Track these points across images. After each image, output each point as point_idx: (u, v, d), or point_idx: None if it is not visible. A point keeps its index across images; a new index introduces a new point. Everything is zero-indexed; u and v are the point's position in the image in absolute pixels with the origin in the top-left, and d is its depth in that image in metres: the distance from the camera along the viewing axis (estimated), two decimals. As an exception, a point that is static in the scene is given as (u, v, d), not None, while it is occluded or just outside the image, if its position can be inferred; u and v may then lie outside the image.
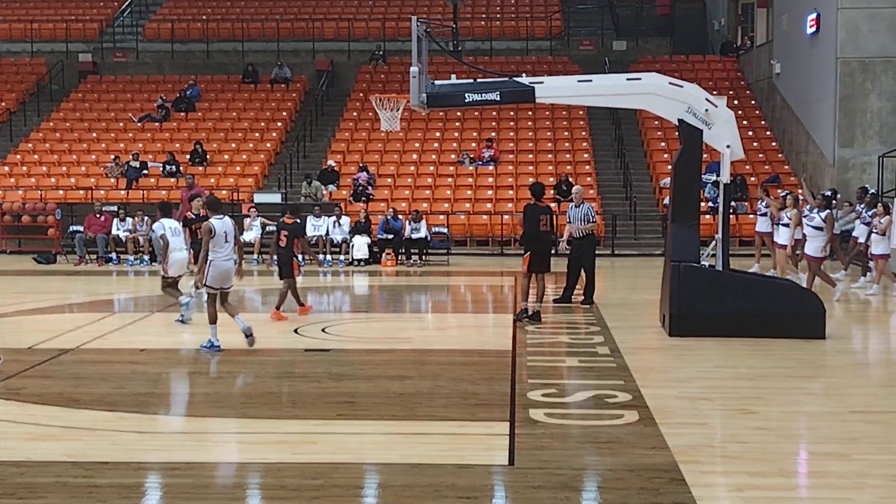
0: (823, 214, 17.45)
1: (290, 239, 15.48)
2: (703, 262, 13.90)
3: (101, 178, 29.32)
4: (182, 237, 15.22)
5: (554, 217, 15.34)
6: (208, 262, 12.40)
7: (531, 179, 28.51)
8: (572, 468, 7.56)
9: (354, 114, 32.88)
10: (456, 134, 31.86)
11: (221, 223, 12.54)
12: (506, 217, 26.84)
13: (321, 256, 24.07)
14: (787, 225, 18.52)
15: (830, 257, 19.31)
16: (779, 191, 23.82)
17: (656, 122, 30.55)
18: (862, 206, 19.86)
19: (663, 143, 30.33)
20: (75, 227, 25.29)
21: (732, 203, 22.49)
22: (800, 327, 13.06)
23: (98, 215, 24.89)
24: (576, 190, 17.16)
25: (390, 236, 24.15)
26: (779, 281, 15.26)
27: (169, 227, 14.84)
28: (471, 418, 9.05)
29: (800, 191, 19.95)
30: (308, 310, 15.62)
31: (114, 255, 24.44)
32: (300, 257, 16.63)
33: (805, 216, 17.93)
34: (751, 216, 26.82)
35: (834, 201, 20.38)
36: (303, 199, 26.98)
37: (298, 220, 16.17)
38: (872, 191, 20.92)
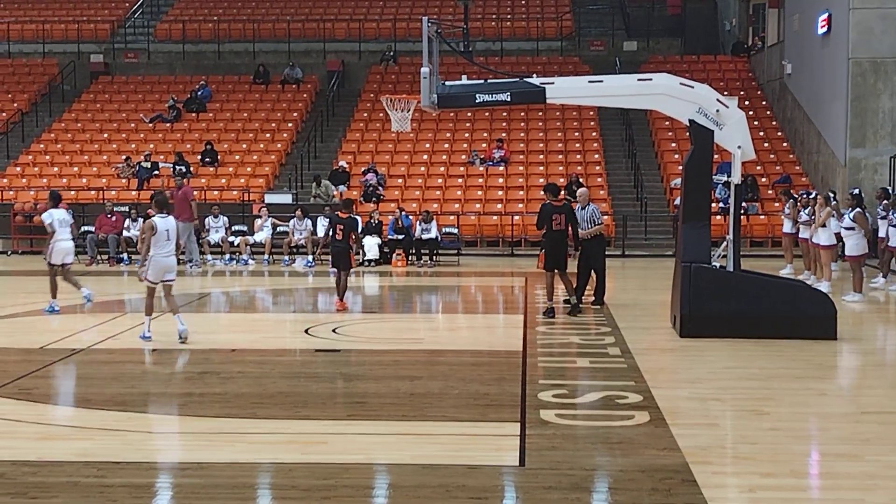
0: (853, 214, 17.42)
1: (346, 233, 16.19)
2: (714, 263, 13.87)
3: (112, 178, 29.39)
4: (69, 228, 15.97)
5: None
6: (150, 257, 13.07)
7: (542, 180, 28.54)
8: (583, 469, 7.55)
9: (365, 114, 32.91)
10: (466, 134, 31.86)
11: (164, 221, 13.17)
12: (516, 218, 26.82)
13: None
14: (824, 225, 18.38)
15: (872, 255, 19.30)
16: (794, 193, 23.74)
17: (667, 123, 30.51)
18: (881, 206, 19.78)
19: (674, 144, 30.29)
20: (86, 228, 25.34)
21: (743, 204, 22.50)
22: (811, 328, 13.02)
23: (109, 216, 24.95)
24: (581, 192, 17.12)
25: (401, 237, 24.15)
26: (790, 282, 15.23)
27: (57, 218, 15.70)
28: (481, 419, 9.05)
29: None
30: (344, 308, 16.14)
31: (125, 256, 24.49)
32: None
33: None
34: (761, 217, 26.82)
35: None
36: (312, 200, 27.00)
37: (353, 215, 16.88)
38: None
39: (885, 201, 19.88)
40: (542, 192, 15.86)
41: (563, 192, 17.29)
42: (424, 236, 24.27)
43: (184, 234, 21.89)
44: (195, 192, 24.82)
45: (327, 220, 17.65)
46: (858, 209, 17.62)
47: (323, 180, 27.67)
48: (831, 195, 19.34)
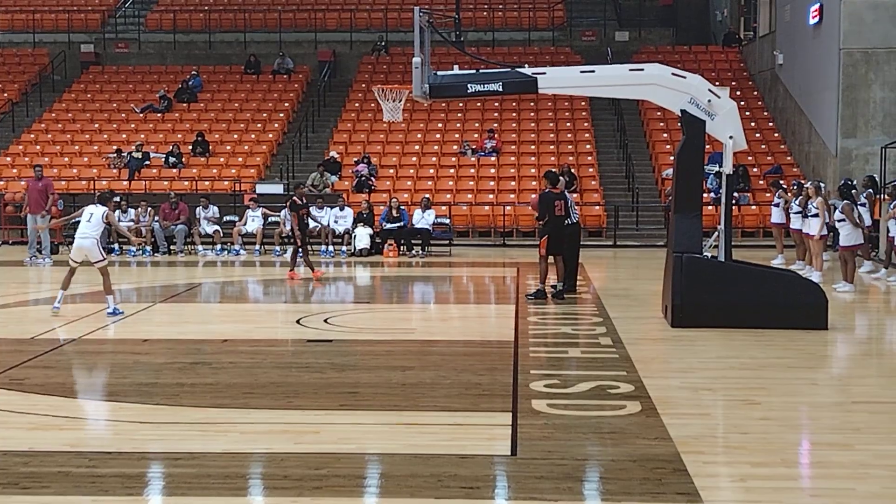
0: (841, 205, 17.45)
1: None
2: (705, 253, 13.88)
3: (103, 168, 29.33)
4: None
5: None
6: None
7: (533, 170, 28.55)
8: (575, 458, 7.56)
9: (357, 104, 32.87)
10: (458, 125, 31.84)
11: (91, 206, 14.66)
12: (508, 208, 26.82)
13: (323, 247, 24.13)
14: (816, 215, 18.39)
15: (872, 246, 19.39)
16: (780, 182, 23.77)
17: (658, 113, 30.51)
18: (864, 195, 19.83)
19: (665, 134, 30.31)
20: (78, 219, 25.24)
21: (735, 194, 22.51)
22: (802, 318, 13.03)
23: (115, 211, 24.82)
24: (560, 182, 17.24)
25: (393, 226, 24.15)
26: (781, 272, 15.25)
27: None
28: (473, 409, 9.05)
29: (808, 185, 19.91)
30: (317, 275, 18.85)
31: (116, 246, 24.44)
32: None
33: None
34: (753, 207, 26.86)
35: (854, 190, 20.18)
36: (307, 191, 26.93)
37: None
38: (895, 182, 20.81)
39: (869, 190, 19.93)
40: (543, 178, 16.20)
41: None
42: (422, 224, 24.33)
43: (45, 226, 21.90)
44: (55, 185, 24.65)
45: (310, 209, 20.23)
46: (846, 201, 17.65)
47: (325, 171, 27.68)
48: (821, 185, 19.38)
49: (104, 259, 14.67)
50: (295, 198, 19.44)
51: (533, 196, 17.13)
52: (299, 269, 19.38)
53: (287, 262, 19.59)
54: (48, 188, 23.20)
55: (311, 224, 22.79)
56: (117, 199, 25.55)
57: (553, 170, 17.53)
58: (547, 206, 15.69)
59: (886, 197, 20.10)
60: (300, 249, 19.04)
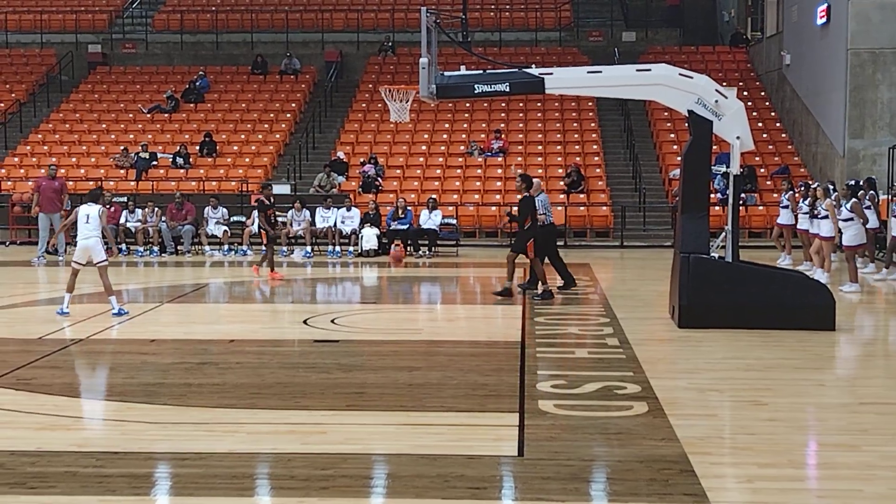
0: (850, 204, 17.43)
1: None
2: (712, 254, 13.87)
3: (110, 169, 29.38)
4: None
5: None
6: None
7: (540, 170, 28.53)
8: (581, 459, 7.56)
9: (364, 105, 32.88)
10: (465, 125, 31.84)
11: (85, 207, 14.75)
12: (515, 209, 26.78)
13: (330, 248, 24.16)
14: (825, 217, 18.35)
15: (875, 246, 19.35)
16: (790, 181, 23.70)
17: (665, 114, 30.49)
18: (867, 197, 19.81)
19: (672, 135, 30.28)
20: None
21: (742, 195, 22.48)
22: (809, 319, 13.01)
23: (108, 206, 24.88)
24: (535, 182, 17.30)
25: (401, 227, 24.14)
26: (788, 272, 15.23)
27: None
28: (480, 409, 9.05)
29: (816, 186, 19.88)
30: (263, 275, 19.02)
31: (123, 246, 24.48)
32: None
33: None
34: (760, 208, 26.83)
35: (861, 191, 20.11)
36: (312, 191, 26.98)
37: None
38: None
39: (871, 191, 19.92)
40: (518, 184, 16.52)
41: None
42: (429, 224, 24.33)
43: (58, 224, 21.93)
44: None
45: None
46: (855, 199, 17.63)
47: (332, 172, 27.72)
48: (830, 187, 19.34)
49: (106, 259, 14.74)
50: (262, 198, 19.77)
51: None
52: (264, 267, 19.44)
53: (294, 261, 19.57)
54: (64, 187, 23.26)
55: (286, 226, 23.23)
56: (124, 199, 25.68)
57: (527, 173, 17.78)
58: (531, 209, 16.11)
59: (894, 198, 20.06)
60: (267, 248, 19.32)
